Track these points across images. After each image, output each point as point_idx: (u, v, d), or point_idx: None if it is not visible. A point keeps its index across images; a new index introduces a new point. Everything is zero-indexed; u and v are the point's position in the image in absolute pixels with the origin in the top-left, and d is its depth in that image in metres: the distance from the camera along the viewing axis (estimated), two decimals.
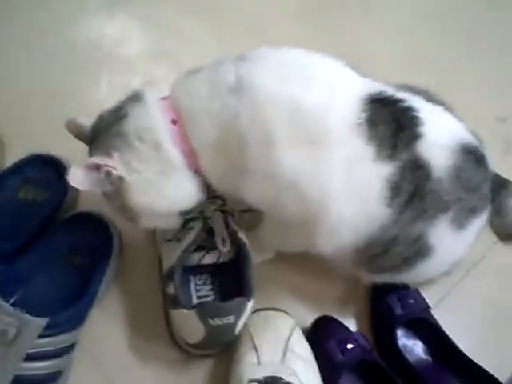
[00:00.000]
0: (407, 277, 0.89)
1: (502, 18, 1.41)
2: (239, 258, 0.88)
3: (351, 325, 0.94)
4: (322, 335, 0.89)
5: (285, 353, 0.83)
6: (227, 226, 0.88)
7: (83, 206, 0.96)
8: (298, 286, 0.96)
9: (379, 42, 1.32)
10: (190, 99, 0.77)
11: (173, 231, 0.88)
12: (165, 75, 1.13)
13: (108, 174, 0.74)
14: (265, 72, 0.76)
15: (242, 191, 0.78)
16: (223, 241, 0.87)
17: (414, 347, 0.92)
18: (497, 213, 1.00)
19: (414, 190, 0.77)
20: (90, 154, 0.78)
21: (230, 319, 0.80)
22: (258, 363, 0.82)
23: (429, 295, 0.95)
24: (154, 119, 0.76)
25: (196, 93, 0.77)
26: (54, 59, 1.18)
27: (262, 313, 0.88)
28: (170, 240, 0.88)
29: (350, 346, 0.86)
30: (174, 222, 0.83)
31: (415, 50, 1.32)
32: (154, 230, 0.95)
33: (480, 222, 0.88)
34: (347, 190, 0.76)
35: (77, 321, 0.81)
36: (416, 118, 0.78)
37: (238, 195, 0.80)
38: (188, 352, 0.87)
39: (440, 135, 0.80)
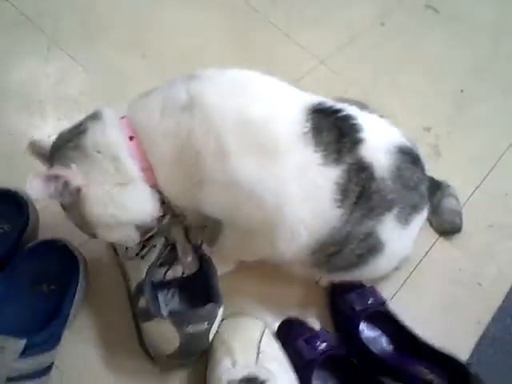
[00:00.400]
0: (362, 273, 0.94)
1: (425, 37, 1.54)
2: (204, 268, 0.91)
3: (315, 325, 0.98)
4: (289, 336, 0.93)
5: (258, 354, 0.86)
6: (189, 240, 0.91)
7: (44, 234, 0.96)
8: (260, 294, 1.00)
9: (309, 62, 1.41)
10: (143, 119, 0.81)
11: (135, 249, 0.90)
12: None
13: (66, 184, 0.77)
14: (213, 90, 0.81)
15: (200, 203, 0.82)
16: (185, 252, 0.89)
17: (377, 339, 0.97)
18: (434, 212, 1.10)
19: (360, 190, 0.83)
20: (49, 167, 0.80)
21: (204, 325, 0.83)
22: (234, 366, 0.84)
23: (384, 291, 1.02)
24: (111, 134, 0.80)
25: (149, 113, 0.81)
26: None
27: (231, 319, 0.91)
28: (132, 258, 0.90)
29: (317, 342, 0.91)
30: (133, 237, 0.85)
31: (350, 66, 1.42)
32: (115, 249, 0.97)
33: (421, 217, 0.95)
34: (301, 194, 0.81)
35: (53, 341, 0.82)
36: (355, 124, 0.85)
37: (196, 208, 0.84)
38: (163, 364, 0.89)
39: (379, 139, 0.87)
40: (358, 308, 0.97)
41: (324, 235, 0.85)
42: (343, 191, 0.83)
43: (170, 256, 0.91)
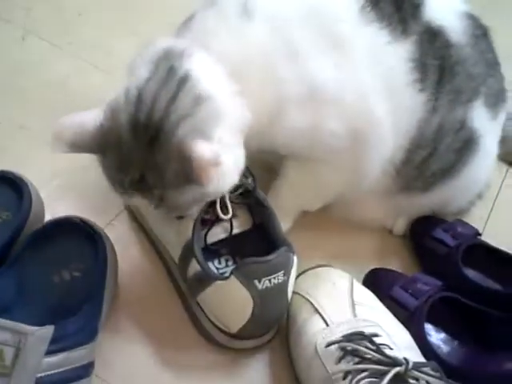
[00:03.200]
0: (461, 181, 0.77)
1: None
2: (263, 218, 0.72)
3: None
4: (381, 287, 0.74)
5: (353, 307, 0.67)
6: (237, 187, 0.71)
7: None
8: (328, 251, 0.81)
9: None
10: (215, 46, 0.64)
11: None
12: None
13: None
14: None
15: (273, 137, 0.67)
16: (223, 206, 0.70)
17: (481, 276, 0.79)
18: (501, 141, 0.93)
19: (440, 63, 0.69)
20: (171, 148, 0.57)
21: (280, 277, 0.64)
22: (328, 325, 0.65)
23: None
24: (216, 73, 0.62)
25: (214, 36, 0.64)
26: None
27: (308, 273, 0.72)
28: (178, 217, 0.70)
29: (419, 287, 0.72)
30: None
31: None
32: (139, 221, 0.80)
33: (504, 113, 0.81)
34: (379, 85, 0.67)
35: (89, 331, 0.61)
36: None
37: (268, 144, 0.68)
38: (231, 347, 0.69)
39: (443, 1, 0.73)
40: (452, 243, 0.78)
41: (413, 134, 0.70)
42: (421, 68, 0.68)
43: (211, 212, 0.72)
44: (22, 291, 0.66)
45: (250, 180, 0.71)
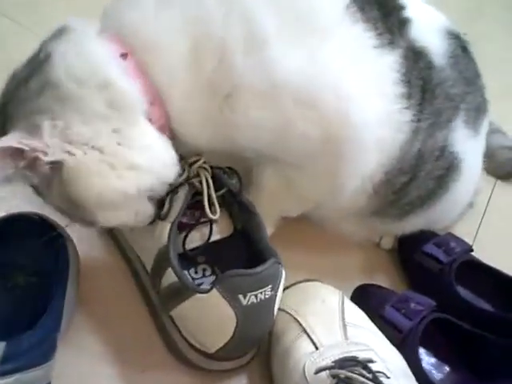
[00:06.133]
0: (441, 208, 0.73)
1: None
2: (247, 225, 0.65)
3: None
4: (371, 305, 0.68)
5: (345, 328, 0.61)
6: (220, 186, 0.64)
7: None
8: (312, 265, 0.75)
9: None
10: (133, 22, 0.57)
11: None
12: None
13: (36, 160, 0.51)
14: None
15: (231, 135, 0.59)
16: (211, 205, 0.62)
17: (474, 294, 0.74)
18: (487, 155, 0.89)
19: (422, 84, 0.65)
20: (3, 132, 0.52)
21: (267, 292, 0.57)
22: (318, 348, 0.58)
23: None
24: (93, 52, 0.54)
25: (140, 12, 0.58)
26: None
27: (295, 287, 0.66)
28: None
29: (412, 307, 0.66)
30: (147, 211, 0.60)
31: None
32: None
33: (486, 123, 0.77)
34: (363, 87, 0.60)
35: (46, 349, 0.53)
36: (396, 1, 0.66)
37: (226, 144, 0.61)
38: (207, 369, 0.61)
39: (426, 19, 0.69)
40: (445, 260, 0.73)
41: (395, 154, 0.65)
42: (406, 84, 0.63)
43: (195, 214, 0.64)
44: None
45: (234, 181, 0.64)
